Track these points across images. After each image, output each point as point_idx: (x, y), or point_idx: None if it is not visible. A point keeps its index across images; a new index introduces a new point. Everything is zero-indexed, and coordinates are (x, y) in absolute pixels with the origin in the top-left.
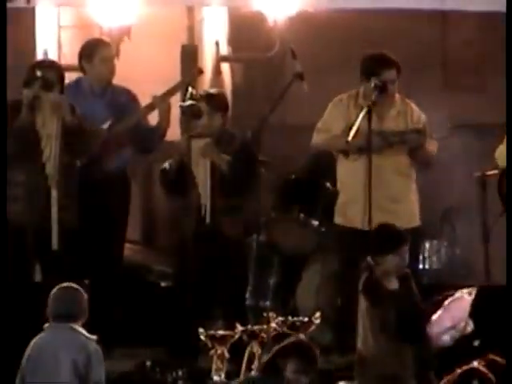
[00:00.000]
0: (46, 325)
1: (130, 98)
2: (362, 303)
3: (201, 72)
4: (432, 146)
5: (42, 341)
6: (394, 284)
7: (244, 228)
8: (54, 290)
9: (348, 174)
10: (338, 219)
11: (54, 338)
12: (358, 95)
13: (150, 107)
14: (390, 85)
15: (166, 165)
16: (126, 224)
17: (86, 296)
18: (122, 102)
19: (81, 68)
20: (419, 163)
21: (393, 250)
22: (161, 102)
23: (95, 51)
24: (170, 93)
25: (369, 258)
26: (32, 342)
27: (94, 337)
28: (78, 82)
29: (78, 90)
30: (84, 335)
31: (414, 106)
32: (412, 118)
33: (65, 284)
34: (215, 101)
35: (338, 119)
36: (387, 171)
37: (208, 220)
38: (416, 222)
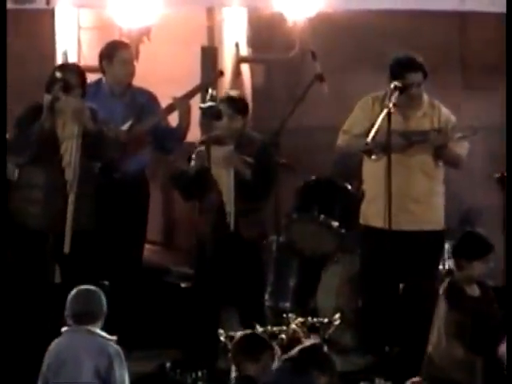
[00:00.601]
0: (64, 328)
1: (149, 99)
2: (441, 307)
3: (221, 74)
4: (460, 148)
5: (61, 345)
6: (475, 291)
7: (263, 230)
8: (72, 292)
9: (370, 173)
10: (362, 217)
11: (73, 341)
12: (386, 97)
13: (170, 108)
14: (416, 88)
15: (183, 168)
16: (146, 225)
17: (103, 297)
18: (142, 103)
19: (101, 69)
20: (446, 164)
21: (481, 257)
22: (181, 103)
23: (115, 53)
24: (191, 95)
25: (451, 263)
26: (51, 347)
27: (114, 337)
28: (98, 83)
29: (98, 91)
30: (103, 337)
31: (443, 108)
32: (439, 120)
33: (82, 286)
34: (236, 103)
35: (362, 120)
36: (411, 171)
37: (232, 227)
38: (438, 225)
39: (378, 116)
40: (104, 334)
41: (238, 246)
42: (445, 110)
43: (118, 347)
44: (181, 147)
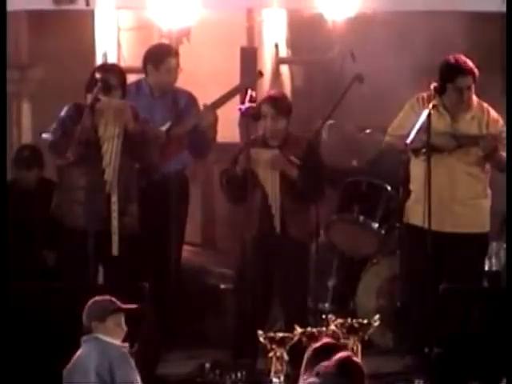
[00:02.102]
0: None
1: (189, 100)
2: None
3: (261, 75)
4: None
5: (77, 354)
6: None
7: (311, 229)
8: None
9: (417, 174)
10: (406, 217)
11: (83, 350)
12: (433, 97)
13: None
14: (466, 91)
15: (231, 171)
16: (185, 226)
17: (95, 307)
18: (182, 105)
19: (144, 71)
20: (495, 168)
21: None
22: (208, 113)
23: (164, 60)
24: (229, 96)
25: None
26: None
27: (124, 344)
28: (138, 84)
29: (138, 92)
30: (109, 343)
31: (492, 111)
32: (488, 123)
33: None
34: (279, 104)
35: (413, 119)
36: (456, 173)
37: (278, 229)
38: (483, 228)
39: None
40: (111, 339)
41: (285, 246)
42: (493, 113)
43: (123, 350)
44: (209, 153)
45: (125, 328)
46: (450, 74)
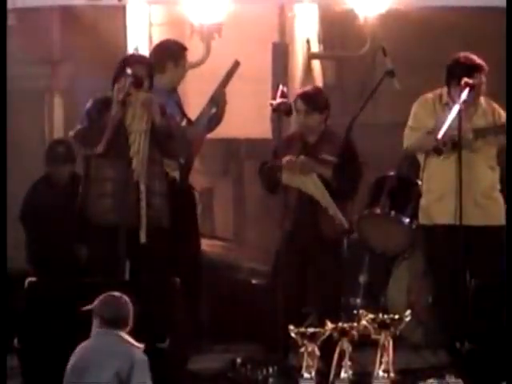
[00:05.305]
0: (94, 331)
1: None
2: None
3: (238, 64)
4: None
5: (88, 348)
6: None
7: (342, 226)
8: (103, 296)
9: (437, 172)
10: (427, 217)
11: (100, 345)
12: (442, 95)
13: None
14: (477, 88)
15: (268, 167)
16: (197, 223)
17: (131, 306)
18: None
19: (161, 68)
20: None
21: None
22: (220, 94)
23: (183, 55)
24: (226, 80)
25: None
26: (77, 349)
27: (141, 345)
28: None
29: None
30: (130, 343)
31: (495, 104)
32: (499, 115)
33: (113, 292)
34: (313, 99)
35: (427, 118)
36: (478, 166)
37: (346, 225)
38: (502, 220)
39: (440, 113)
40: (131, 340)
41: (319, 242)
42: (495, 105)
43: (143, 355)
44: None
45: None
46: (461, 71)
